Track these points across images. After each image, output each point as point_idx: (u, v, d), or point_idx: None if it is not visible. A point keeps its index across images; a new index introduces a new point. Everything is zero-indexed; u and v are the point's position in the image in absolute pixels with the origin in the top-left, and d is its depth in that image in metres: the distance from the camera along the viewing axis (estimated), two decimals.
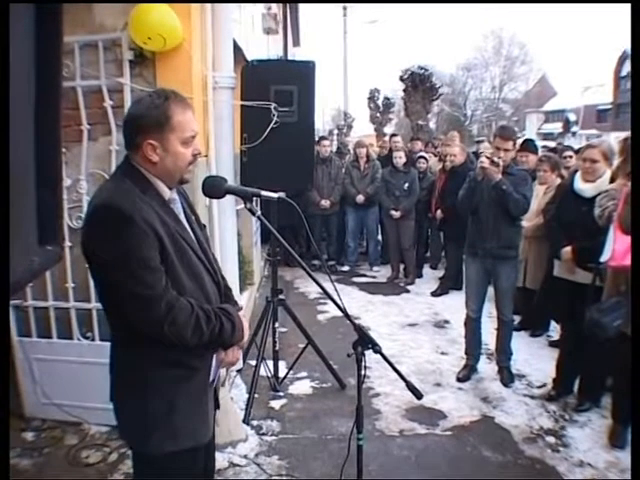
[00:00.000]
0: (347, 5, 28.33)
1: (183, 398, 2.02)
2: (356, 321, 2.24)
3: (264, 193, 2.12)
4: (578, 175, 4.28)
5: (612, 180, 4.12)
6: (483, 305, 5.05)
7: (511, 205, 4.48)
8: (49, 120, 0.84)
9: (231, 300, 2.29)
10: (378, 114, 27.86)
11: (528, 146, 6.94)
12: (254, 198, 2.12)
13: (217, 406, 2.33)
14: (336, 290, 2.20)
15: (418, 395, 2.30)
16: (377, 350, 2.16)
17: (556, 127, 36.73)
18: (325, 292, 2.22)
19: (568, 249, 4.22)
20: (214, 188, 2.15)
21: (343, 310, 2.19)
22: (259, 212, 2.12)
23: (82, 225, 1.97)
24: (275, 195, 2.16)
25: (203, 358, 2.09)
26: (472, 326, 5.06)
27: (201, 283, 2.05)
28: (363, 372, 2.20)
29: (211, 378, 2.18)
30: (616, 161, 4.19)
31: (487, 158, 4.52)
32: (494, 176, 4.46)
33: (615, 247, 3.64)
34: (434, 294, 7.88)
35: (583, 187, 4.20)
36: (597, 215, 3.88)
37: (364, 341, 2.17)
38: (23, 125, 0.79)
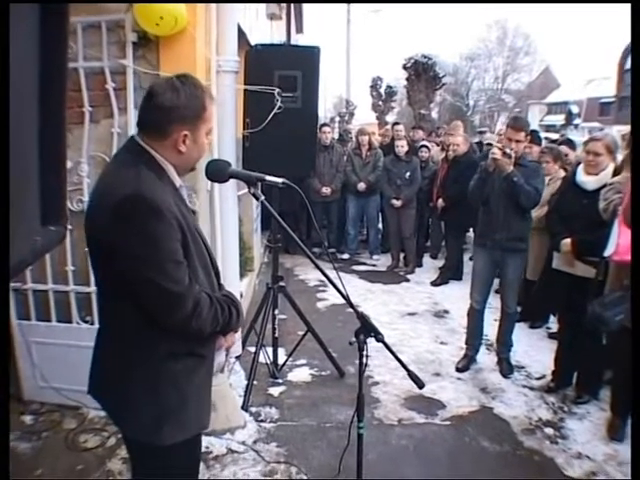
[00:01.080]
0: None
1: (191, 387, 2.00)
2: None
3: (268, 178, 2.09)
4: (581, 167, 4.25)
5: (615, 173, 4.10)
6: (488, 297, 5.04)
7: (522, 197, 4.45)
8: (54, 103, 0.82)
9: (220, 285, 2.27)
10: (380, 102, 27.71)
11: (532, 137, 6.89)
12: (258, 183, 2.09)
13: None
14: (339, 278, 2.17)
15: (420, 384, 2.29)
16: (380, 339, 2.15)
17: (559, 119, 36.61)
18: (328, 279, 2.19)
19: (567, 241, 4.19)
20: (218, 172, 2.12)
21: (346, 298, 2.17)
22: (263, 197, 2.09)
23: (97, 209, 1.86)
24: (279, 180, 2.13)
25: (210, 346, 2.08)
26: (475, 317, 5.04)
27: (209, 272, 2.04)
28: (365, 360, 2.18)
29: (215, 366, 2.18)
30: (621, 154, 4.17)
31: (499, 149, 4.48)
32: (506, 167, 4.42)
33: (619, 241, 3.62)
34: (434, 284, 7.88)
35: (585, 180, 4.18)
36: (602, 208, 3.85)
37: (367, 329, 2.16)
38: (28, 108, 0.77)
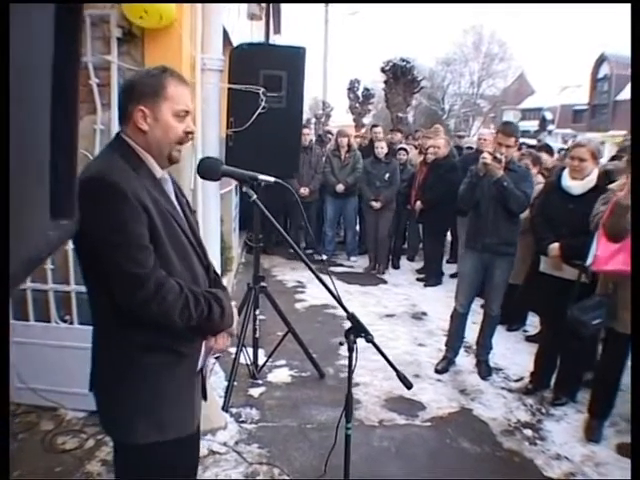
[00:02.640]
0: None
1: (169, 386, 1.95)
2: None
3: (261, 177, 2.08)
4: (566, 172, 4.31)
5: (600, 179, 4.17)
6: (473, 301, 5.08)
7: (512, 201, 4.50)
8: (67, 97, 0.82)
9: (219, 285, 2.24)
10: (357, 105, 27.80)
11: None
12: (251, 182, 2.07)
13: (204, 397, 2.27)
14: (331, 278, 2.16)
15: (408, 385, 2.30)
16: (369, 339, 2.14)
17: (533, 125, 37.02)
18: (319, 279, 2.18)
19: (555, 245, 4.24)
20: (211, 170, 2.10)
21: (337, 298, 2.15)
22: (255, 196, 2.07)
23: None
24: (272, 179, 2.11)
25: (191, 344, 2.02)
26: (458, 321, 5.08)
27: (190, 265, 1.99)
28: (355, 361, 2.17)
29: (199, 366, 2.10)
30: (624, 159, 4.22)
31: (489, 154, 4.54)
32: (496, 172, 4.48)
33: (598, 253, 3.69)
34: (428, 284, 8.01)
35: (571, 184, 4.24)
36: (590, 219, 3.91)
37: (357, 330, 2.15)
38: (41, 102, 0.76)
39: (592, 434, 3.99)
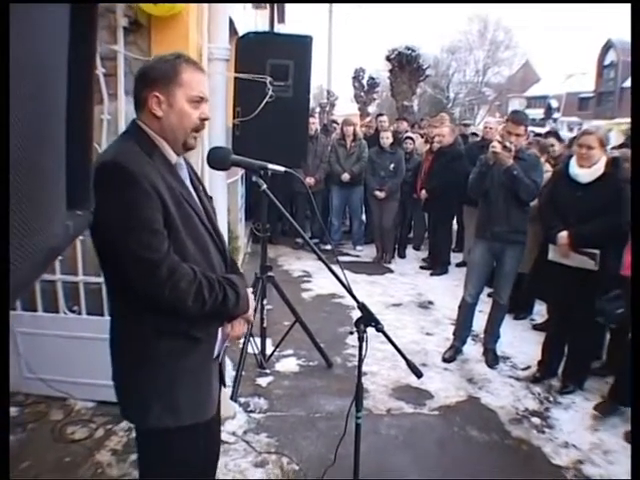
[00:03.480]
0: None
1: (185, 371, 1.97)
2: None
3: (271, 166, 2.07)
4: (573, 160, 4.29)
5: (607, 167, 4.15)
6: (482, 290, 5.08)
7: (521, 190, 4.50)
8: (81, 82, 0.82)
9: (236, 270, 2.24)
10: (362, 94, 27.70)
11: None
12: (260, 171, 2.07)
13: (223, 383, 2.28)
14: (341, 267, 2.16)
15: (418, 374, 2.31)
16: (380, 328, 2.14)
17: (538, 113, 36.81)
18: (329, 268, 2.17)
19: (564, 234, 4.22)
20: (220, 159, 2.10)
21: (347, 287, 2.15)
22: (265, 186, 2.07)
23: None
24: (282, 169, 2.11)
25: (207, 330, 2.02)
26: (466, 310, 5.08)
27: (206, 251, 2.00)
28: (365, 350, 2.17)
29: (216, 352, 2.11)
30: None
31: (499, 143, 4.54)
32: (505, 161, 4.48)
33: (627, 257, 3.74)
34: (434, 273, 8.01)
35: (579, 172, 4.22)
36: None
37: (367, 319, 2.15)
38: (55, 89, 0.76)
39: (603, 410, 4.05)
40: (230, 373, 4.41)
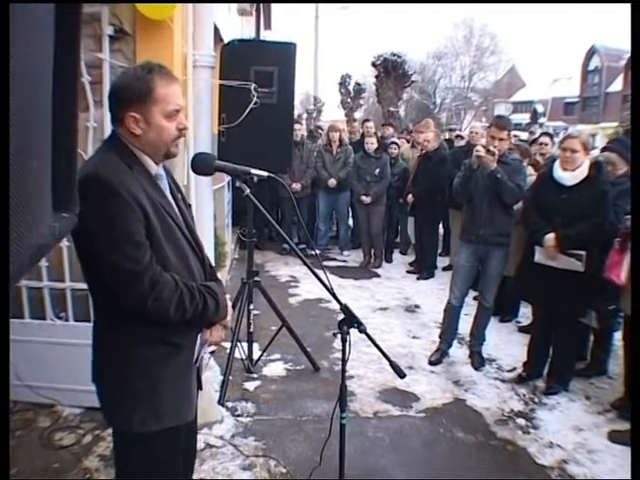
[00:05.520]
0: None
1: (167, 376, 2.00)
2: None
3: (254, 171, 2.11)
4: (557, 164, 4.35)
5: (590, 170, 4.22)
6: (467, 293, 5.13)
7: (505, 193, 4.56)
8: (66, 92, 0.85)
9: (214, 277, 2.28)
10: (349, 99, 27.77)
11: None
12: (244, 176, 2.10)
13: (199, 387, 2.31)
14: (324, 271, 2.19)
15: (401, 374, 2.34)
16: (362, 330, 2.17)
17: (524, 118, 37.09)
18: (312, 271, 2.20)
19: (551, 236, 4.27)
20: (204, 165, 2.13)
21: (330, 290, 2.19)
22: (248, 191, 2.10)
23: None
24: (265, 174, 2.14)
25: (187, 336, 2.07)
26: (452, 314, 5.12)
27: (185, 259, 2.03)
28: (348, 351, 2.21)
29: (195, 357, 2.15)
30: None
31: (483, 147, 4.61)
32: (489, 165, 4.54)
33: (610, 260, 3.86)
34: (421, 277, 8.06)
35: (563, 175, 4.28)
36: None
37: (350, 320, 2.18)
38: (41, 98, 0.79)
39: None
40: (218, 378, 4.44)
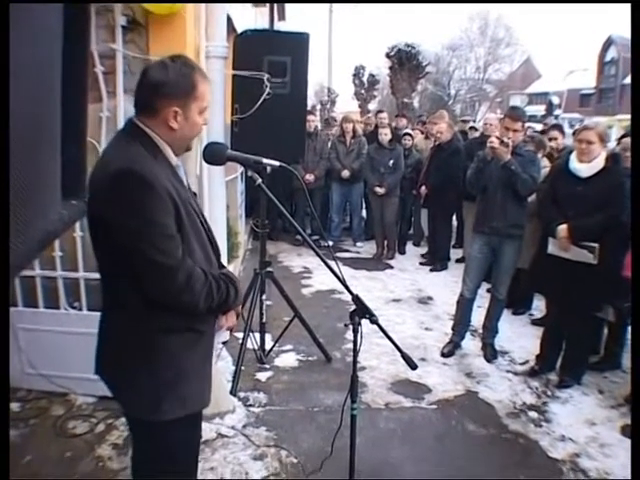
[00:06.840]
0: None
1: (192, 363, 2.04)
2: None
3: (266, 161, 2.11)
4: (573, 155, 4.31)
5: (607, 162, 4.17)
6: (480, 285, 5.11)
7: (519, 185, 4.53)
8: (76, 82, 0.85)
9: (222, 265, 2.30)
10: (363, 91, 27.73)
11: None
12: (256, 166, 2.10)
13: None
14: (337, 263, 2.19)
15: (412, 365, 2.33)
16: (374, 320, 2.17)
17: (539, 109, 36.79)
18: (324, 262, 2.20)
19: (564, 227, 4.23)
20: (216, 155, 2.13)
21: (342, 280, 2.19)
22: (260, 180, 2.10)
23: (93, 187, 1.79)
24: (277, 163, 2.14)
25: (209, 322, 2.12)
26: (464, 306, 5.10)
27: (206, 250, 2.06)
28: (360, 342, 2.21)
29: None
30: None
31: (497, 138, 4.59)
32: (503, 156, 4.51)
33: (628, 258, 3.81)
34: (434, 269, 8.04)
35: (579, 167, 4.23)
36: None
37: (361, 311, 2.18)
38: (51, 88, 0.79)
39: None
40: (230, 368, 4.46)
